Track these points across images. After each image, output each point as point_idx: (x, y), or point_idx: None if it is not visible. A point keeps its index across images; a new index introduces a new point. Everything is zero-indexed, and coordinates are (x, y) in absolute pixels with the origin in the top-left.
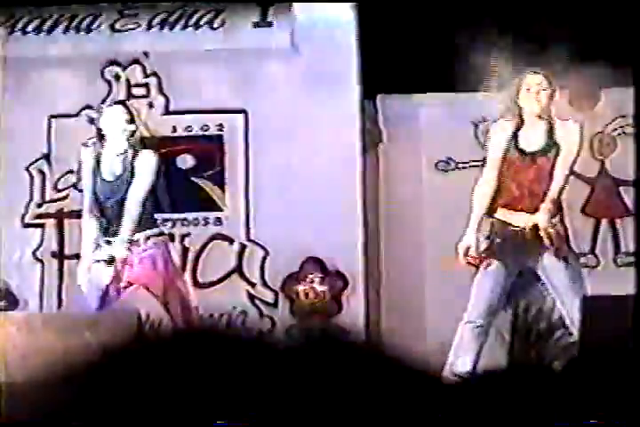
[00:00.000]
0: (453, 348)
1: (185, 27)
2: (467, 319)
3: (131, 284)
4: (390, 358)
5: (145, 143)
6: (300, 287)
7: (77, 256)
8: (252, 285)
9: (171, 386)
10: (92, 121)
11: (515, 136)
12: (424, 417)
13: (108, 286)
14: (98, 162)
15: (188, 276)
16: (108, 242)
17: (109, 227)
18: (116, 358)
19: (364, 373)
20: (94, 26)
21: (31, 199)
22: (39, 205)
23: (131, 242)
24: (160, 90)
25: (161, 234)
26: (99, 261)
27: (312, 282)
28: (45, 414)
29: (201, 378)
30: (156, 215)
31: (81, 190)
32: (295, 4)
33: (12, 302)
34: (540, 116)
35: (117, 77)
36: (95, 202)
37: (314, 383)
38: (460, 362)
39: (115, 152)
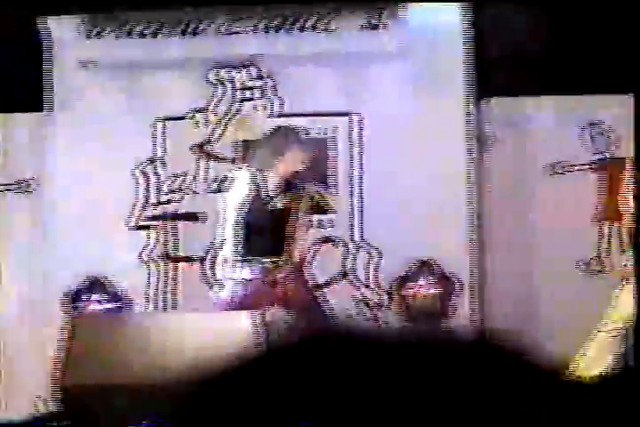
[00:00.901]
0: (582, 352)
1: (296, 30)
2: (603, 329)
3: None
4: (503, 359)
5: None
6: (410, 290)
7: (186, 259)
8: (362, 287)
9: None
10: (199, 124)
11: None
12: (546, 419)
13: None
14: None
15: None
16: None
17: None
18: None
19: (474, 375)
20: (206, 29)
21: (139, 202)
22: (147, 208)
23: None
24: (270, 93)
25: None
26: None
27: (422, 284)
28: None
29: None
30: None
31: (190, 193)
32: (405, 7)
33: (122, 303)
34: None
35: (228, 80)
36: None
37: (423, 386)
38: (587, 365)
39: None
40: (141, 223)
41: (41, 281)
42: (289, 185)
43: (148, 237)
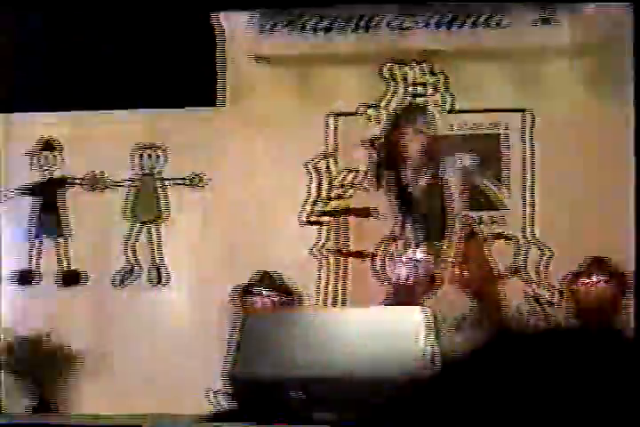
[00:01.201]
0: None
1: (468, 25)
2: None
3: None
4: None
5: None
6: (582, 287)
7: (357, 254)
8: (534, 284)
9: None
10: (371, 119)
11: None
12: None
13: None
14: None
15: None
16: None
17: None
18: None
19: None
20: (378, 24)
21: (311, 197)
22: (318, 203)
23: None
24: (442, 88)
25: None
26: (411, 259)
27: (595, 282)
28: None
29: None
30: None
31: (363, 188)
32: (579, 3)
33: (292, 298)
34: None
35: (399, 76)
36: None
37: (585, 383)
38: None
39: None
40: (313, 219)
41: (212, 275)
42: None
43: (319, 233)
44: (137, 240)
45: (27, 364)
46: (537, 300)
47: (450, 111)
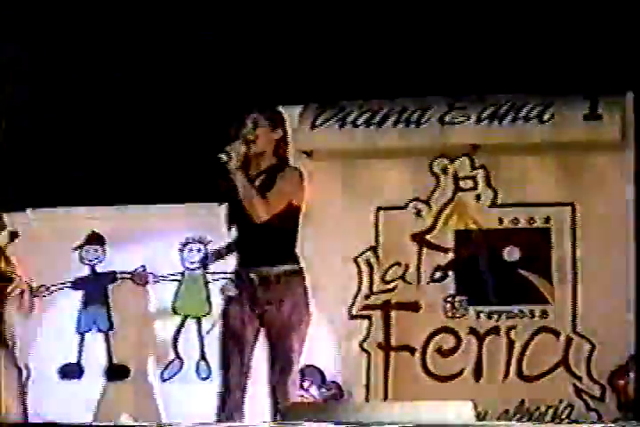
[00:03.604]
0: None
1: (514, 119)
2: None
3: None
4: None
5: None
6: (627, 382)
7: (405, 348)
8: (579, 378)
9: None
10: (419, 214)
11: None
12: None
13: None
14: None
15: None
16: None
17: None
18: None
19: None
20: (424, 119)
21: (359, 290)
22: (367, 297)
23: None
24: (488, 182)
25: None
26: None
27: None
28: None
29: None
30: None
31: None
32: (624, 97)
33: (339, 392)
34: None
35: (445, 170)
36: None
37: None
38: None
39: None
40: (360, 313)
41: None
42: None
43: (366, 326)
44: (182, 334)
45: None
46: (583, 394)
47: (496, 206)
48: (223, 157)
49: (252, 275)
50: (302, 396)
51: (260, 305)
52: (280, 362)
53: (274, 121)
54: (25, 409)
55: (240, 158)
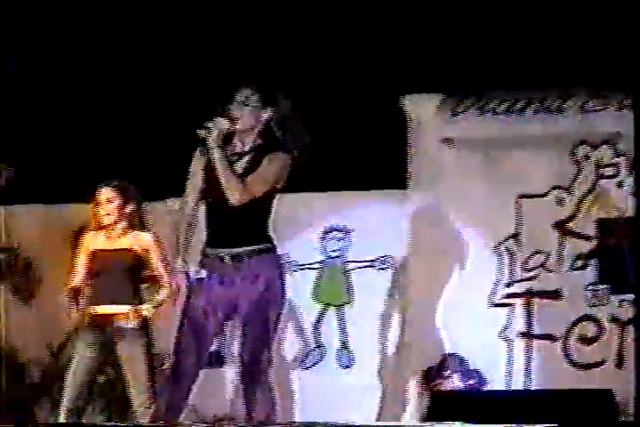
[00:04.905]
0: None
1: None
2: None
3: None
4: None
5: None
6: None
7: (546, 336)
8: None
9: None
10: (561, 202)
11: None
12: None
13: None
14: None
15: None
16: None
17: None
18: None
19: None
20: (565, 106)
21: (500, 279)
22: (508, 285)
23: None
24: (630, 170)
25: None
26: None
27: None
28: None
29: None
30: None
31: (545, 271)
32: None
33: (478, 381)
34: None
35: (587, 158)
36: None
37: None
38: None
39: None
40: (501, 301)
41: (396, 358)
42: None
43: (507, 315)
44: (323, 322)
45: None
46: None
47: (633, 193)
48: (201, 132)
49: (223, 254)
50: (442, 384)
51: (233, 283)
52: (253, 343)
53: (265, 99)
54: None
55: (220, 135)
